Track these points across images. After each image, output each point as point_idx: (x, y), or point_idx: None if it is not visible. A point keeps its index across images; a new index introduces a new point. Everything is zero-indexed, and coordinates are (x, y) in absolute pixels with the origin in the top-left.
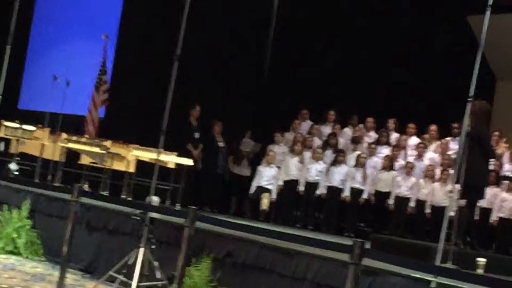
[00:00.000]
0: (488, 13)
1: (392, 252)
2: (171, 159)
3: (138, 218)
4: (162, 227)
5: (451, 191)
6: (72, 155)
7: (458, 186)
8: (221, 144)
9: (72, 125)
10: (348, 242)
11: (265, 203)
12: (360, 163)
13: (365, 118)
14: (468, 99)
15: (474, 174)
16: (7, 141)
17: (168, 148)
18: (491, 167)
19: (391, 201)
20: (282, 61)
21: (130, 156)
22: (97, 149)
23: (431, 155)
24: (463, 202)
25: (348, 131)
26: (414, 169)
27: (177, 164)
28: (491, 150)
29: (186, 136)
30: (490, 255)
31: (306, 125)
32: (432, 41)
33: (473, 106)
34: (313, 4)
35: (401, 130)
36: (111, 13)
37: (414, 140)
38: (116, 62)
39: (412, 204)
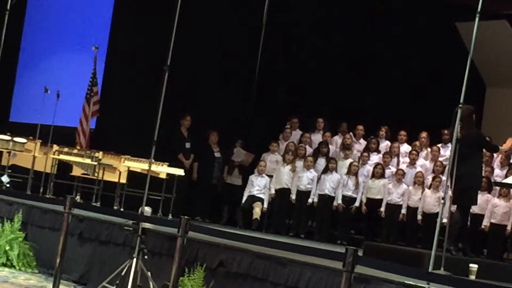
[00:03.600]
0: (476, 20)
1: (384, 259)
2: (162, 170)
3: (131, 228)
4: (155, 237)
5: (443, 198)
6: (64, 167)
7: (450, 193)
8: (217, 154)
9: (63, 136)
10: (340, 250)
11: (257, 212)
12: (352, 172)
13: (355, 126)
14: (459, 105)
15: (468, 178)
16: None
17: (159, 158)
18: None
19: (382, 209)
20: (271, 71)
21: (122, 167)
22: (88, 161)
23: (422, 162)
24: (454, 208)
25: (337, 139)
26: (406, 176)
27: (169, 174)
28: (493, 145)
29: (177, 146)
30: (482, 261)
31: (296, 133)
32: (422, 48)
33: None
34: (302, 10)
35: (391, 137)
36: (100, 24)
37: (405, 147)
38: (106, 73)
39: (403, 211)
